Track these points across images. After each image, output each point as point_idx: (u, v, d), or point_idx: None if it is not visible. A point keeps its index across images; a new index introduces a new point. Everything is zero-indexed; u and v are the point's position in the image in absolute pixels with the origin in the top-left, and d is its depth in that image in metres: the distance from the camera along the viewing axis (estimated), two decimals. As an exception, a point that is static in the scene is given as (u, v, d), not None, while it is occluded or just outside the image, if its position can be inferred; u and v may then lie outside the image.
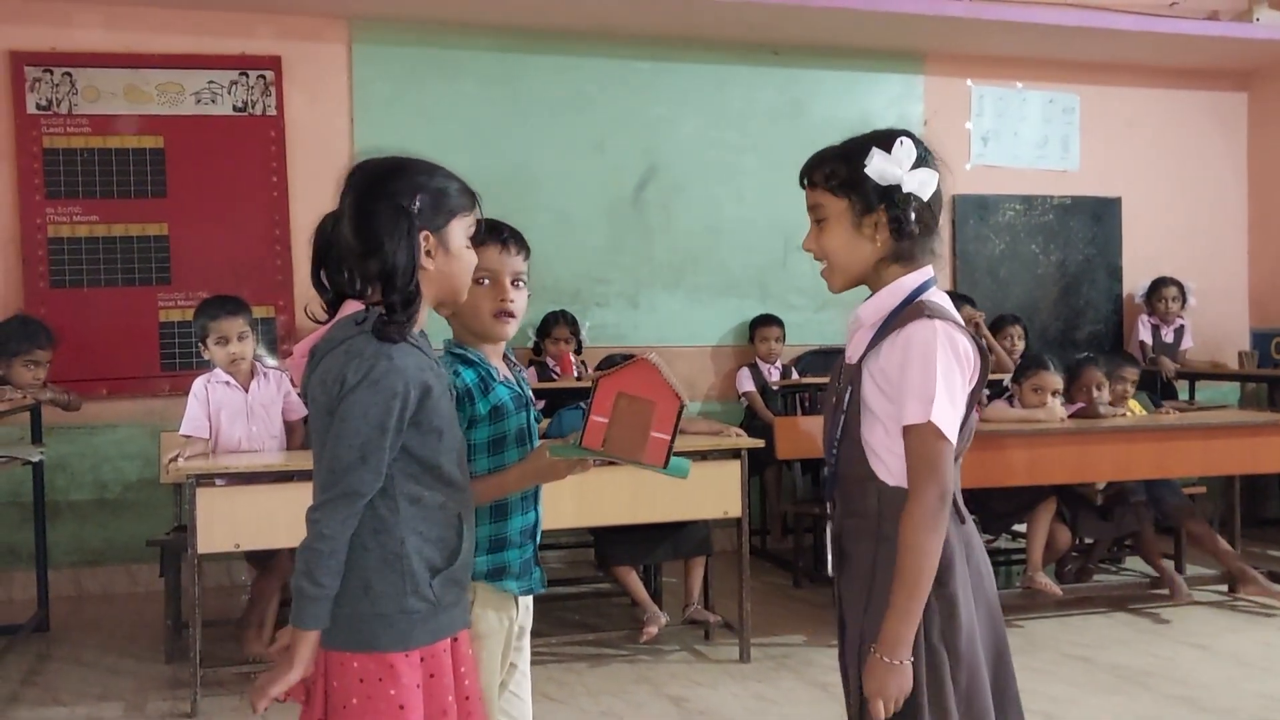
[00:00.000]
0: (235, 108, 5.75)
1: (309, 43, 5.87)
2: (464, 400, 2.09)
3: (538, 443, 2.21)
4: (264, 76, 5.78)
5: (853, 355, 2.03)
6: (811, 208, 2.02)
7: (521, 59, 6.21)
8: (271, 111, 5.79)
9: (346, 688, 1.80)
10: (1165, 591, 5.11)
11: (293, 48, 5.84)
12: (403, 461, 1.81)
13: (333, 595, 1.77)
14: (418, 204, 1.81)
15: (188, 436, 4.25)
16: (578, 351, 5.95)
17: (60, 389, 4.90)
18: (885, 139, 1.95)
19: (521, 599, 2.23)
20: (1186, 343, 6.94)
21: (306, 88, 5.87)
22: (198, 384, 4.30)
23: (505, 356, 2.27)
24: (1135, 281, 7.15)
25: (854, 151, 1.96)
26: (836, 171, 1.97)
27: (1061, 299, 7.17)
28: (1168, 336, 6.90)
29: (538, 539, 2.25)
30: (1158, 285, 6.88)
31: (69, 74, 5.54)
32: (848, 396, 1.98)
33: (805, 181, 2.03)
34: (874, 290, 2.02)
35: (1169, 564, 5.19)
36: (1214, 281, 7.25)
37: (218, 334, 4.23)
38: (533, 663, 2.34)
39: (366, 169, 1.87)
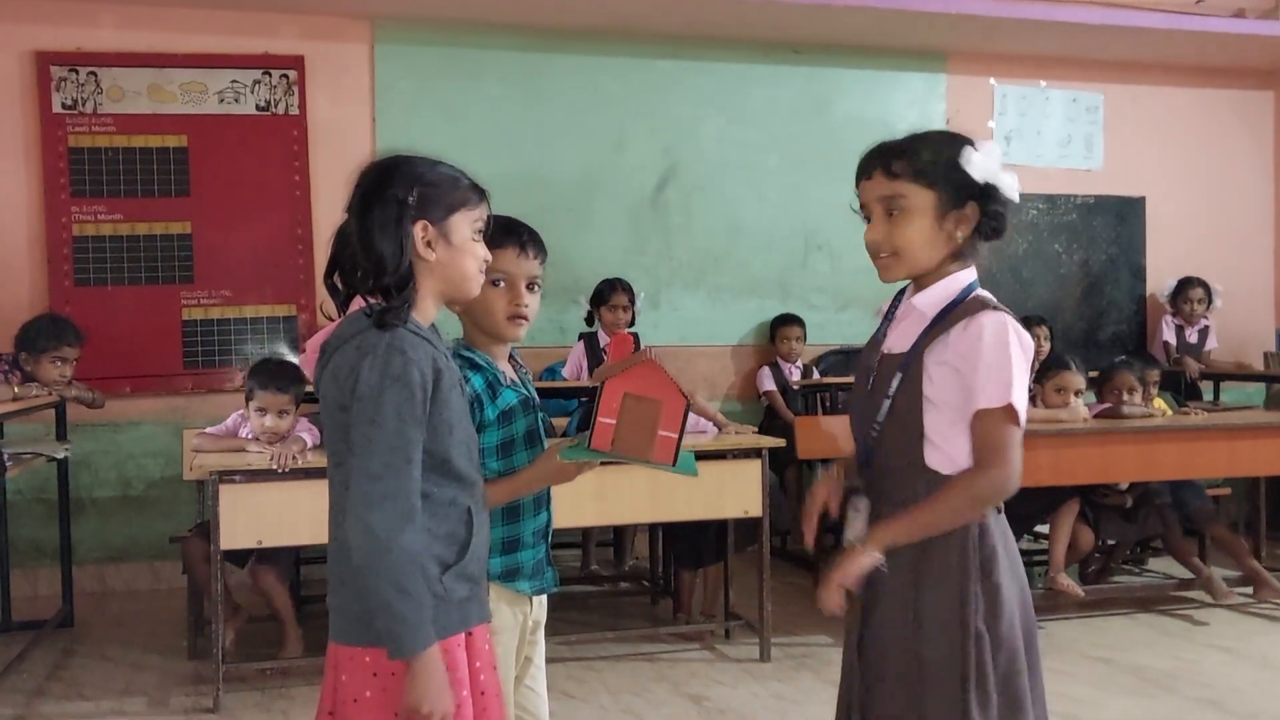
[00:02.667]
0: (258, 107, 5.78)
1: (332, 42, 5.89)
2: (473, 406, 2.09)
3: (547, 443, 2.23)
4: (287, 76, 5.80)
5: (898, 345, 2.03)
6: (886, 197, 1.98)
7: (542, 58, 6.22)
8: (294, 111, 5.82)
9: (358, 682, 1.80)
10: (1190, 594, 5.08)
11: (316, 47, 5.86)
12: None
13: (429, 602, 1.73)
14: (414, 195, 1.83)
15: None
16: (631, 324, 5.76)
17: (85, 386, 4.94)
18: (963, 139, 1.96)
19: (536, 596, 2.25)
20: (1211, 343, 6.89)
21: (329, 87, 5.89)
22: (233, 419, 4.29)
23: (511, 357, 2.28)
24: (1159, 281, 7.10)
25: (939, 144, 1.97)
26: (928, 162, 1.95)
27: (1084, 299, 7.13)
28: (1192, 337, 6.85)
29: (549, 539, 2.26)
30: (1183, 286, 6.83)
31: (94, 73, 5.58)
32: (895, 385, 1.99)
33: (880, 170, 1.99)
34: (923, 284, 2.02)
35: (1205, 565, 5.11)
36: (1239, 281, 7.19)
37: (260, 403, 4.17)
38: (552, 661, 2.35)
39: (370, 166, 1.90)
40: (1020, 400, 1.89)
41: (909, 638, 1.96)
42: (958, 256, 2.00)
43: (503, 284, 2.16)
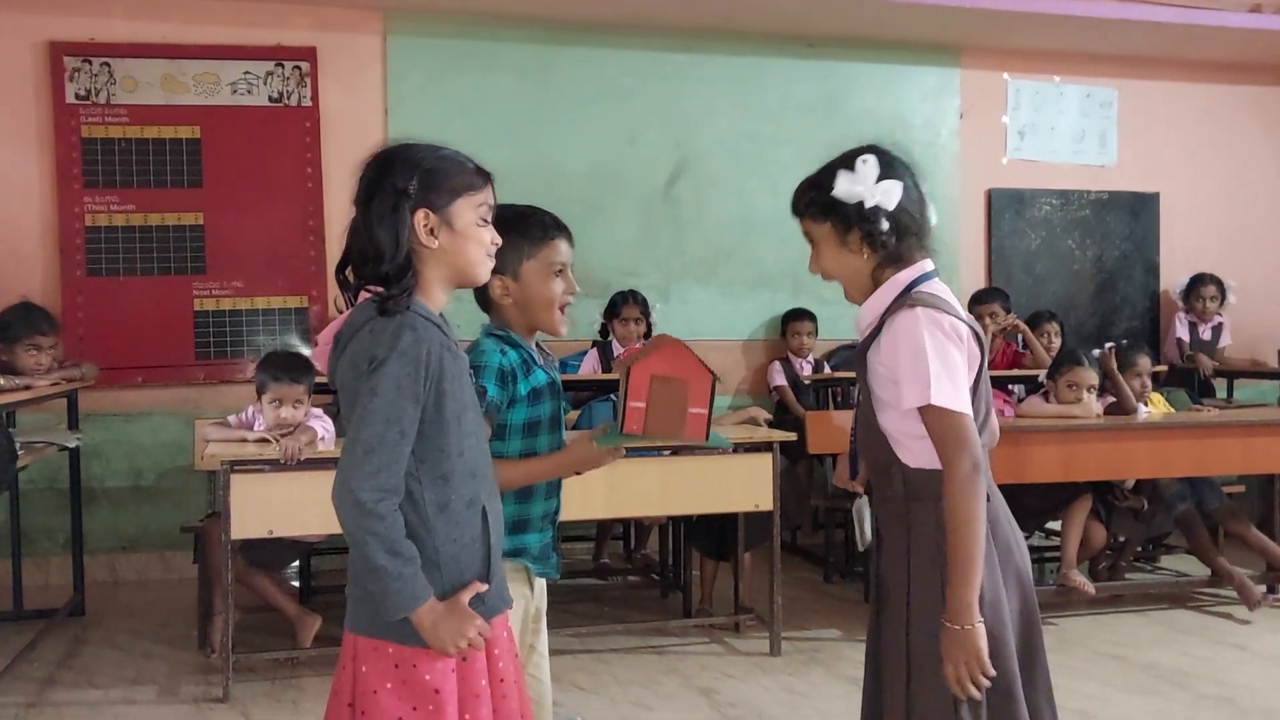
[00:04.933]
0: (271, 98, 5.79)
1: (344, 34, 5.90)
2: (508, 379, 2.13)
3: (565, 432, 2.26)
4: (299, 67, 5.81)
5: (861, 351, 2.13)
6: (805, 235, 2.15)
7: (555, 51, 6.21)
8: (307, 102, 5.82)
9: (379, 673, 1.80)
10: (1203, 590, 5.06)
11: (328, 39, 5.86)
12: (429, 463, 1.80)
13: (418, 556, 1.76)
14: (414, 183, 1.83)
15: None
16: (646, 335, 5.74)
17: (70, 364, 4.88)
18: (850, 158, 2.06)
19: (536, 581, 2.27)
20: (1225, 340, 6.85)
21: (341, 79, 5.89)
22: (249, 411, 4.28)
23: (538, 345, 2.31)
24: (1173, 278, 7.06)
25: (825, 176, 2.08)
26: (814, 199, 2.10)
27: (1098, 295, 7.10)
28: (1205, 334, 6.81)
29: (556, 525, 2.29)
30: (1196, 283, 6.79)
31: (107, 64, 5.59)
32: (856, 392, 2.14)
33: (794, 212, 2.16)
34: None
35: (1236, 568, 5.01)
36: (1253, 278, 7.14)
37: (274, 394, 4.14)
38: (563, 653, 2.35)
39: (373, 157, 1.89)
40: (942, 393, 1.93)
41: (902, 627, 2.00)
42: (890, 262, 2.07)
43: (560, 273, 2.23)
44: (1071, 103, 7.02)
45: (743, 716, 3.71)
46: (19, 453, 4.14)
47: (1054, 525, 5.21)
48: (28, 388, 4.43)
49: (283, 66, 5.79)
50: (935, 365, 1.93)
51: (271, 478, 3.86)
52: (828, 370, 6.30)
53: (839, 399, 5.90)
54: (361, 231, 1.84)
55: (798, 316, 6.36)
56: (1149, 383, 5.18)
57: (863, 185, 2.03)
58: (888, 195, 2.03)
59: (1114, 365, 4.94)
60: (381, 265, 1.81)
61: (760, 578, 4.59)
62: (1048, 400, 4.87)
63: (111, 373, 5.30)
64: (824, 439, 5.16)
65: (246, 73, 5.75)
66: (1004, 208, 6.88)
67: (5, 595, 4.90)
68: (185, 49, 5.67)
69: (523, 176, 5.92)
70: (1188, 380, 6.35)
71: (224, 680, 3.87)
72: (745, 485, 4.25)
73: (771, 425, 5.31)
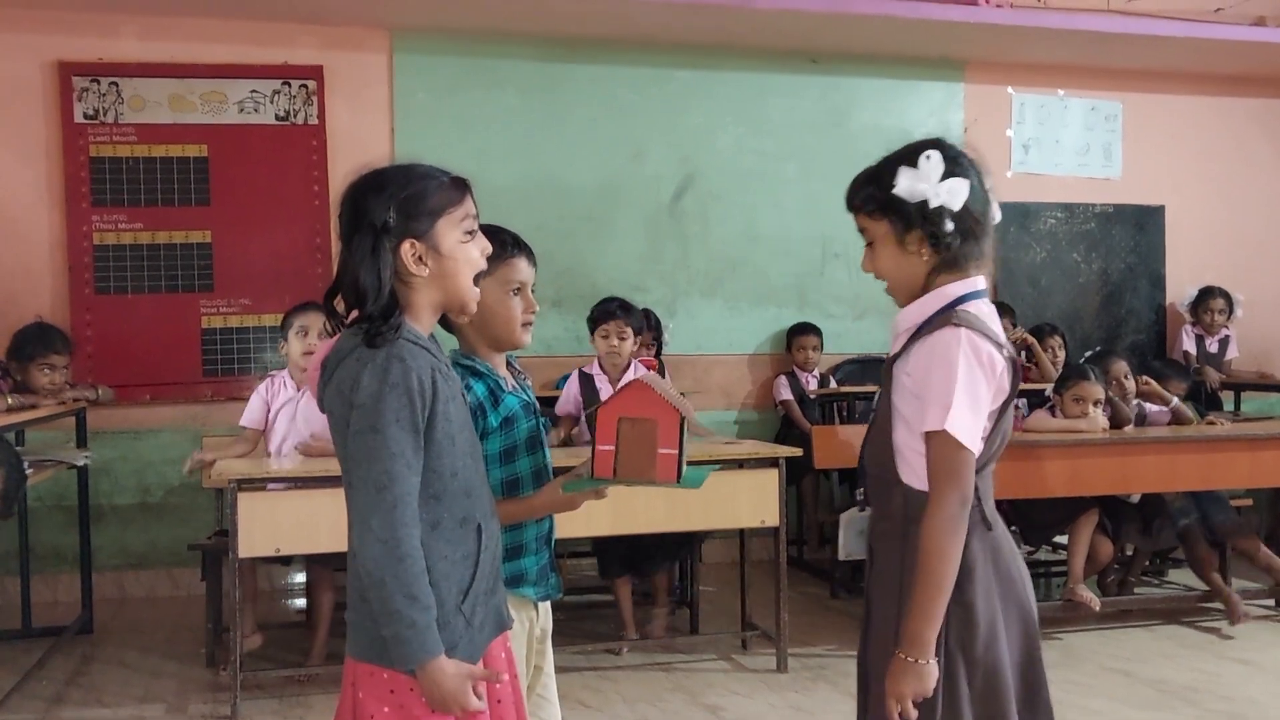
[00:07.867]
0: (278, 117, 5.82)
1: (351, 53, 5.93)
2: (475, 414, 2.11)
3: (548, 450, 2.26)
4: (306, 86, 5.84)
5: (889, 362, 2.06)
6: (860, 231, 2.05)
7: (561, 68, 6.23)
8: (313, 121, 5.85)
9: (376, 698, 1.79)
10: (1210, 605, 5.04)
11: (335, 58, 5.90)
12: (422, 484, 1.79)
13: (434, 606, 1.74)
14: (391, 216, 1.80)
15: (243, 427, 4.41)
16: (657, 355, 5.71)
17: (86, 385, 4.95)
18: (913, 154, 1.96)
19: (541, 602, 2.26)
20: (1232, 353, 6.85)
21: (348, 97, 5.92)
22: (264, 383, 4.40)
23: (510, 364, 2.30)
24: (1178, 290, 7.06)
25: (884, 171, 1.98)
26: (871, 195, 2.00)
27: (1103, 308, 7.10)
28: (1212, 347, 6.81)
29: (552, 545, 2.28)
30: (1204, 296, 6.79)
31: (115, 84, 5.63)
32: (876, 399, 2.05)
33: (849, 206, 2.06)
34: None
35: (1228, 586, 5.01)
36: (1260, 290, 7.14)
37: (300, 324, 4.26)
38: (569, 670, 2.35)
39: (347, 191, 1.86)
40: (958, 423, 1.86)
41: (890, 647, 1.94)
42: (947, 268, 1.98)
43: (517, 292, 2.21)
44: (1076, 116, 7.03)
45: (749, 733, 3.72)
46: (28, 472, 4.16)
47: (1061, 540, 5.20)
48: (34, 407, 4.46)
49: (289, 85, 5.82)
50: (961, 394, 1.86)
51: (279, 496, 3.87)
52: (834, 385, 6.31)
53: (845, 414, 5.91)
54: (344, 269, 1.83)
55: (803, 331, 6.37)
56: (1129, 386, 5.17)
57: (926, 183, 1.93)
58: (953, 194, 1.93)
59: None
60: (366, 307, 1.79)
61: (766, 594, 4.59)
62: (1054, 415, 4.87)
63: (120, 390, 5.32)
64: (830, 454, 5.17)
65: (253, 91, 5.79)
66: (1009, 221, 6.88)
67: (14, 613, 4.92)
68: (192, 68, 5.71)
69: (529, 193, 5.95)
70: (1195, 393, 6.34)
71: (232, 698, 3.87)
72: (752, 501, 4.25)
73: (777, 440, 5.32)
